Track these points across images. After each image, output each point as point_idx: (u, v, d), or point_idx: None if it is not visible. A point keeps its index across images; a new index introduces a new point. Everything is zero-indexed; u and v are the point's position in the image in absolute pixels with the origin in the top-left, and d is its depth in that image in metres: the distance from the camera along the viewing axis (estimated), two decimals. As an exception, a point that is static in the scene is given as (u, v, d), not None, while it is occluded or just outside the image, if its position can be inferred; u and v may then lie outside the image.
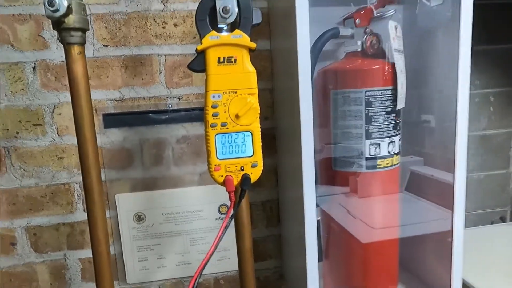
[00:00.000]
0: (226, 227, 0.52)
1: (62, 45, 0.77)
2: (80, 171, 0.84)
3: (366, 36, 0.75)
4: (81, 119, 0.60)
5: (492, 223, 1.25)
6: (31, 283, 0.93)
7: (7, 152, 0.86)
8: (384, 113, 0.74)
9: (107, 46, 0.87)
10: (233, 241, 0.72)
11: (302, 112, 0.67)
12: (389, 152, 0.75)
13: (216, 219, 0.96)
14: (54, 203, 0.90)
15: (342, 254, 0.84)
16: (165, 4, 0.87)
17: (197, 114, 0.92)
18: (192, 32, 0.89)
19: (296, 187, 0.74)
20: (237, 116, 0.53)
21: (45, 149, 0.88)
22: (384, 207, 0.82)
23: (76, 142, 0.82)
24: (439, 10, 0.74)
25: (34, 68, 0.85)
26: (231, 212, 0.53)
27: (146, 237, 0.94)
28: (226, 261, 0.98)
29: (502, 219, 1.25)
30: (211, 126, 0.53)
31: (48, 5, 0.50)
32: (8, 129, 0.86)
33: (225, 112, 0.53)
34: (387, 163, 0.76)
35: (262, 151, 0.55)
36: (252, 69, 0.53)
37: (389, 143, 0.75)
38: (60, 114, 0.87)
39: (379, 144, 0.74)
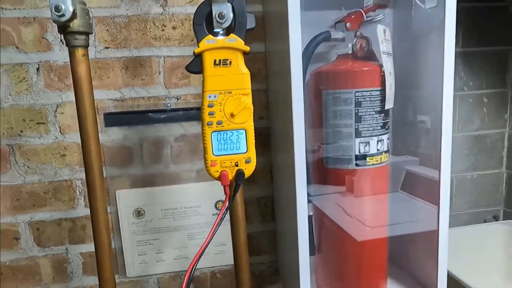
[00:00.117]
0: (222, 218, 0.55)
1: (65, 47, 0.81)
2: (82, 168, 0.87)
3: (356, 39, 0.77)
4: (85, 118, 0.62)
5: (485, 222, 1.25)
6: (34, 276, 0.95)
7: (11, 150, 0.88)
8: (373, 112, 0.75)
9: (108, 48, 0.89)
10: (229, 236, 0.74)
11: (294, 112, 0.68)
12: (378, 150, 0.77)
13: (213, 214, 0.97)
14: (56, 199, 0.92)
15: (333, 249, 0.85)
16: (164, 8, 0.89)
17: (194, 114, 0.94)
18: (190, 35, 0.91)
19: (289, 184, 0.76)
20: (232, 115, 0.56)
21: (48, 147, 0.90)
22: (374, 204, 0.84)
23: (78, 140, 0.86)
24: (433, 12, 0.75)
25: (38, 69, 0.87)
26: (226, 204, 0.56)
27: (145, 232, 0.96)
28: (223, 255, 1.00)
29: (495, 218, 1.26)
30: (208, 124, 0.56)
31: (55, 11, 0.53)
32: (12, 128, 0.87)
33: (220, 111, 0.56)
34: (376, 161, 0.78)
35: (258, 150, 0.58)
36: (246, 71, 0.56)
37: (378, 141, 0.77)
38: (62, 113, 0.89)
39: (368, 142, 0.76)
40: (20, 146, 0.89)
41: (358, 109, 0.75)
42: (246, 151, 0.57)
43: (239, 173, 0.57)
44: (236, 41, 0.55)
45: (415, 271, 0.90)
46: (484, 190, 1.24)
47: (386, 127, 0.79)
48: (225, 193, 0.57)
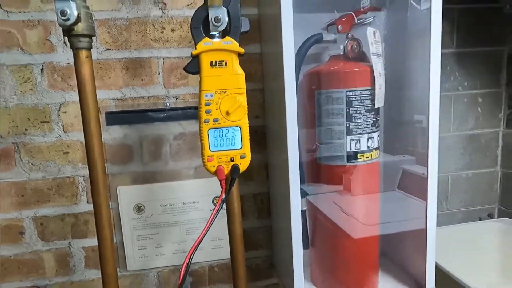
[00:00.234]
0: (218, 210, 0.58)
1: (67, 48, 0.83)
2: (84, 165, 0.90)
3: (348, 41, 0.79)
4: (88, 117, 0.64)
5: (480, 220, 1.26)
6: (38, 270, 0.96)
7: (16, 148, 0.90)
8: (363, 111, 0.78)
9: (109, 49, 0.90)
10: (226, 231, 0.76)
11: (288, 110, 0.70)
12: (368, 147, 0.79)
13: (210, 210, 0.99)
14: (59, 195, 0.94)
15: (326, 243, 0.87)
16: (163, 10, 0.91)
17: (193, 113, 0.95)
18: (188, 37, 0.93)
19: (283, 181, 0.78)
20: (227, 113, 0.59)
21: (51, 144, 0.92)
22: (366, 199, 0.85)
23: (80, 138, 0.89)
24: (428, 13, 0.75)
25: (42, 70, 0.88)
26: (223, 197, 0.59)
27: (145, 227, 0.98)
28: (220, 250, 1.01)
29: (490, 216, 1.27)
30: (205, 122, 0.59)
31: (61, 15, 0.56)
32: (17, 126, 0.89)
33: (216, 109, 0.58)
34: (367, 157, 0.80)
35: (254, 147, 0.61)
36: (240, 72, 0.59)
37: (368, 138, 0.79)
38: (65, 112, 0.91)
39: (359, 140, 0.78)
40: (24, 144, 0.90)
41: (349, 108, 0.77)
42: (241, 147, 0.60)
43: (234, 168, 0.59)
44: (231, 43, 0.58)
45: (406, 265, 0.92)
46: (479, 189, 1.25)
47: (376, 125, 0.81)
48: (221, 187, 0.59)
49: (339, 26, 0.81)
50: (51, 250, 0.97)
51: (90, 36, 0.62)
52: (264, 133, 1.01)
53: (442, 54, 1.14)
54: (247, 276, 0.79)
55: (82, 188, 0.95)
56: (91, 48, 0.63)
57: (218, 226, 0.84)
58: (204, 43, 0.57)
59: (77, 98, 0.85)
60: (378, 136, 0.82)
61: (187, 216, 0.99)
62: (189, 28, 0.88)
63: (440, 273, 0.90)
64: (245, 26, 0.59)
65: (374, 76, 0.77)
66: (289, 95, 0.70)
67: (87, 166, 0.88)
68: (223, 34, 0.59)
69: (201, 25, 0.58)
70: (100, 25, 0.89)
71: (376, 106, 0.79)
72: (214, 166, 0.60)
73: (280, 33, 0.68)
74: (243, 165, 0.61)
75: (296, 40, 0.70)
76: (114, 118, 0.93)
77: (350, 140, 0.79)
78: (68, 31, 0.59)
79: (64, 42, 0.88)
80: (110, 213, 0.70)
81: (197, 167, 0.99)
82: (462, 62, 1.16)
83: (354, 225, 0.84)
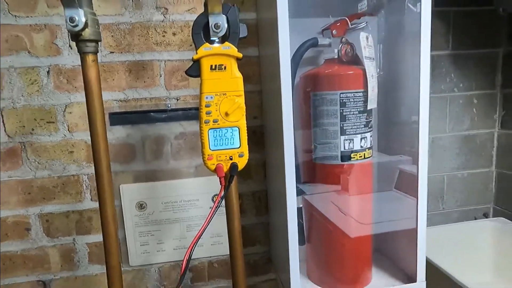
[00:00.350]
0: (218, 206, 0.60)
1: (73, 51, 0.86)
2: (88, 164, 0.93)
3: (342, 45, 0.81)
4: (94, 117, 0.66)
5: (475, 219, 1.26)
6: (43, 264, 0.98)
7: (23, 147, 0.92)
8: (356, 112, 0.79)
9: (113, 52, 0.93)
10: (225, 228, 0.77)
11: (284, 111, 0.72)
12: (361, 146, 0.81)
13: (210, 207, 0.99)
14: (64, 192, 0.96)
15: (321, 239, 0.88)
16: (165, 15, 0.93)
17: (193, 113, 0.97)
18: (189, 40, 0.95)
19: (280, 179, 0.79)
20: (226, 114, 0.61)
21: (57, 144, 0.94)
22: (359, 196, 0.87)
23: (85, 138, 0.92)
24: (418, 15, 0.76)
25: (48, 72, 0.90)
26: (222, 193, 0.62)
27: (147, 224, 0.99)
28: (219, 246, 1.03)
29: (485, 216, 1.28)
30: (205, 122, 0.61)
31: (70, 22, 0.59)
32: (24, 126, 0.91)
33: (216, 110, 0.61)
34: (360, 156, 0.81)
35: (252, 147, 0.63)
36: (239, 75, 0.61)
37: (361, 138, 0.81)
38: (71, 113, 0.93)
39: (352, 140, 0.80)
40: (31, 143, 0.93)
41: (343, 109, 0.79)
42: (239, 146, 0.63)
43: (233, 166, 0.62)
44: (230, 48, 0.61)
45: (399, 261, 0.94)
46: (474, 189, 1.26)
47: (369, 126, 0.83)
48: (221, 184, 0.62)
49: (334, 31, 0.82)
50: (56, 245, 0.98)
51: (97, 41, 0.64)
52: (262, 133, 1.03)
53: (438, 56, 1.15)
54: (245, 271, 0.80)
55: (86, 186, 0.97)
56: (97, 52, 0.65)
57: (218, 223, 0.85)
58: (205, 48, 0.60)
59: (82, 99, 0.89)
60: (371, 136, 0.84)
61: (188, 213, 1.01)
62: (190, 32, 0.91)
63: (435, 271, 0.92)
64: (243, 32, 0.62)
65: (367, 79, 0.79)
66: (285, 97, 0.72)
67: (91, 165, 0.92)
68: (223, 40, 0.61)
69: (201, 31, 0.60)
70: (104, 29, 0.91)
71: (369, 108, 0.81)
72: (214, 164, 0.62)
73: (277, 37, 0.70)
74: (241, 163, 0.63)
75: (292, 44, 0.71)
76: (118, 118, 0.95)
77: (344, 140, 0.80)
78: (76, 37, 0.62)
79: (70, 46, 0.90)
80: (114, 209, 0.72)
81: (197, 166, 1.00)
82: (457, 63, 1.17)
83: (348, 222, 0.85)
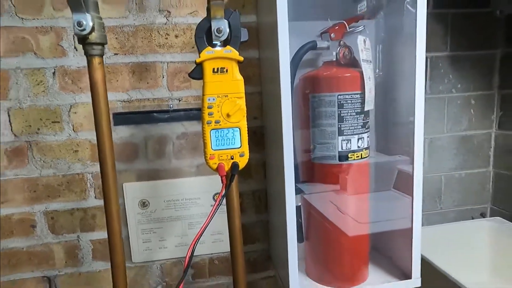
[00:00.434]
0: (219, 203, 0.62)
1: (78, 53, 0.87)
2: (93, 163, 0.94)
3: (340, 48, 0.83)
4: (100, 117, 0.68)
5: (472, 219, 1.28)
6: (48, 261, 1.00)
7: (29, 146, 0.94)
8: (354, 113, 0.81)
9: (117, 54, 0.94)
10: (226, 226, 0.77)
11: (283, 112, 0.73)
12: (358, 146, 0.83)
13: (211, 205, 1.01)
14: (69, 191, 0.97)
15: (319, 237, 0.90)
16: (167, 18, 0.95)
17: (195, 114, 0.98)
18: (191, 43, 0.96)
19: (279, 178, 0.80)
20: (228, 115, 0.63)
21: (62, 143, 0.95)
22: (356, 196, 0.88)
23: (89, 137, 0.93)
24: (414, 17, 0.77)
25: (53, 73, 0.92)
26: (223, 192, 0.64)
27: (150, 221, 1.01)
28: (220, 243, 1.05)
29: (483, 215, 1.29)
30: (207, 123, 0.63)
31: (77, 26, 0.60)
32: (30, 126, 0.93)
33: (218, 112, 0.63)
34: (357, 156, 0.83)
35: (252, 147, 0.65)
36: (240, 78, 0.63)
37: (358, 139, 0.82)
38: (75, 113, 0.94)
39: (349, 140, 0.82)
40: (37, 142, 0.94)
41: (340, 111, 0.81)
42: (240, 146, 0.65)
43: (234, 165, 0.64)
44: (231, 52, 0.62)
45: (395, 259, 0.95)
46: (471, 189, 1.27)
47: (366, 127, 0.84)
48: (222, 182, 0.64)
49: (332, 34, 0.84)
50: (61, 242, 1.00)
51: (103, 44, 0.66)
52: (262, 134, 1.04)
53: (436, 57, 1.16)
54: (245, 268, 0.81)
55: (90, 185, 0.98)
56: (103, 55, 0.67)
57: (219, 220, 0.88)
58: (207, 52, 0.62)
59: (86, 100, 0.91)
60: (368, 136, 0.85)
61: (189, 211, 1.02)
62: (192, 35, 0.93)
63: (432, 270, 0.93)
64: (244, 36, 0.64)
65: (364, 81, 0.81)
66: (285, 98, 0.73)
67: (95, 164, 0.94)
68: (224, 43, 0.63)
69: (204, 35, 0.62)
70: (109, 31, 0.92)
71: (366, 109, 0.82)
72: (215, 163, 0.64)
73: (277, 39, 0.71)
74: (242, 163, 0.65)
75: (291, 46, 0.72)
76: (121, 118, 0.96)
77: (342, 140, 0.82)
78: (83, 40, 0.63)
79: (75, 47, 0.92)
80: (119, 206, 0.73)
81: (199, 165, 1.02)
82: (455, 65, 1.18)
83: (345, 221, 0.87)
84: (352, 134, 0.83)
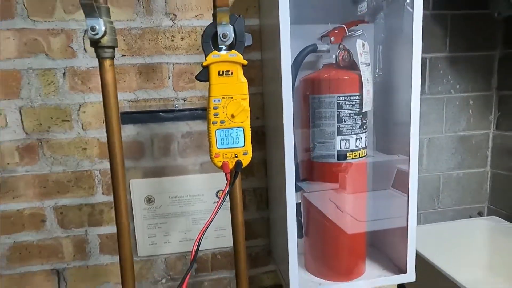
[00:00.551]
0: (223, 199, 0.64)
1: (87, 54, 0.90)
2: (101, 160, 0.96)
3: (339, 51, 0.85)
4: (110, 116, 0.70)
5: (470, 218, 1.29)
6: (57, 254, 1.02)
7: (40, 144, 0.96)
8: (352, 114, 0.83)
9: (125, 55, 0.96)
10: (229, 222, 0.79)
11: (284, 112, 0.75)
12: (356, 146, 0.85)
13: (214, 202, 1.04)
14: (78, 187, 1.00)
15: (318, 234, 0.91)
16: (173, 21, 0.97)
17: (199, 114, 1.00)
18: (196, 45, 0.99)
19: (280, 176, 0.82)
20: (232, 116, 0.66)
21: (71, 141, 0.97)
22: (354, 194, 0.90)
23: (97, 136, 0.96)
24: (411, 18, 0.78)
25: (64, 74, 0.94)
26: (227, 189, 0.66)
27: (155, 217, 1.03)
28: (223, 239, 1.07)
29: (480, 215, 1.30)
30: (213, 123, 0.66)
31: (91, 30, 0.64)
32: (41, 124, 0.95)
33: (223, 112, 0.65)
34: (355, 155, 0.85)
35: (254, 146, 0.67)
36: (244, 80, 0.66)
37: (356, 139, 0.84)
38: (85, 112, 0.97)
39: (348, 140, 0.84)
40: (47, 140, 0.97)
41: (339, 111, 0.83)
42: (244, 145, 0.67)
43: (238, 163, 0.67)
44: (236, 55, 0.65)
45: (391, 255, 0.96)
46: (469, 188, 1.28)
47: (364, 127, 0.86)
48: (226, 179, 0.67)
49: (332, 38, 0.86)
50: (70, 236, 1.02)
51: (114, 47, 0.69)
52: (264, 133, 1.06)
53: (435, 58, 1.17)
54: (247, 262, 0.82)
55: (98, 181, 1.01)
56: (114, 57, 0.69)
57: (222, 216, 0.90)
58: (213, 56, 0.64)
59: (95, 99, 0.94)
60: (366, 136, 0.87)
61: (193, 207, 1.04)
62: (197, 37, 0.96)
63: (429, 268, 0.95)
64: (248, 40, 0.66)
65: (362, 83, 0.83)
66: (286, 99, 0.75)
67: (103, 161, 0.97)
68: (230, 48, 0.65)
69: (210, 40, 0.65)
70: (117, 34, 0.92)
71: (364, 110, 0.85)
72: (220, 161, 0.67)
73: (279, 42, 0.73)
74: (245, 161, 0.68)
75: (293, 49, 0.74)
76: (128, 117, 0.98)
77: (340, 140, 0.84)
78: (96, 43, 0.66)
79: (84, 49, 0.94)
80: (127, 199, 0.75)
81: (203, 163, 1.04)
82: (454, 65, 1.20)
83: (344, 219, 0.89)
84: (350, 134, 0.85)
